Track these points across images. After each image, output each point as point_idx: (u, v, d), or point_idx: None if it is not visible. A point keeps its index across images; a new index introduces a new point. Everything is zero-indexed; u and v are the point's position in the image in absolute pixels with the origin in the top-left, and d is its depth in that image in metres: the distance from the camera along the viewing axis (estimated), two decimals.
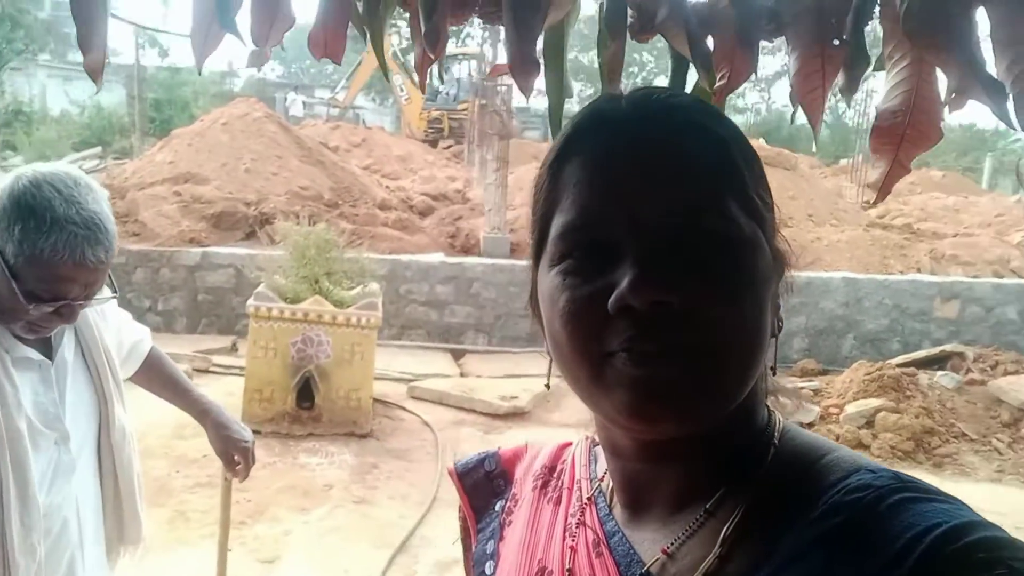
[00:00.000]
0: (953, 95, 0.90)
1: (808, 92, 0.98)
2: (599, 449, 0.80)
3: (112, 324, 1.84)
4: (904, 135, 0.90)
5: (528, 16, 0.96)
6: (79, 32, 0.88)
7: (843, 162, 18.85)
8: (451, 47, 31.43)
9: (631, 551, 0.68)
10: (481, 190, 11.28)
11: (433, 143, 20.24)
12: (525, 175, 12.41)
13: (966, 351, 6.92)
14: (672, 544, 0.64)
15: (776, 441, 0.66)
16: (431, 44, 0.92)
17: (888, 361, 6.79)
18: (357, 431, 5.43)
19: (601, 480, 0.76)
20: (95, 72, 0.86)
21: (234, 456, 2.01)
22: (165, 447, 4.89)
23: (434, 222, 9.82)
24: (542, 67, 1.00)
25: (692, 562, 0.62)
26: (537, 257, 0.68)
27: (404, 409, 6.07)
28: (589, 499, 0.75)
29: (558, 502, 0.78)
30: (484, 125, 11.75)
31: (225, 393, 6.14)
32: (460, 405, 6.19)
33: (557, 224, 0.63)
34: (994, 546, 0.51)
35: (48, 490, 1.55)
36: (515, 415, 6.05)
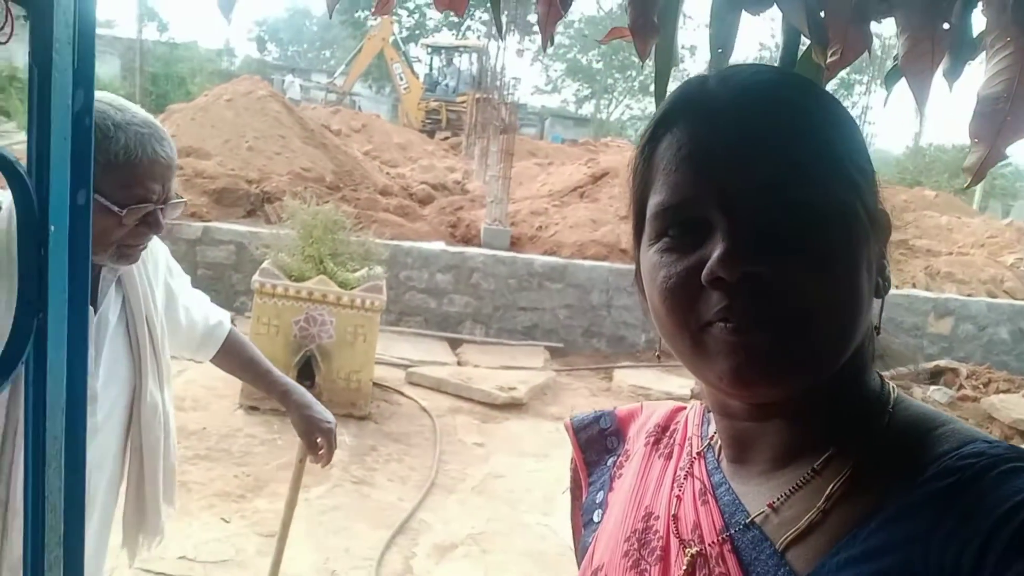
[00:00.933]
0: None
1: (916, 74, 1.00)
2: (712, 414, 0.81)
3: (181, 304, 1.81)
4: (1005, 121, 0.92)
5: None
6: None
7: None
8: (451, 39, 31.48)
9: (736, 501, 0.70)
10: (480, 182, 11.28)
11: (430, 134, 20.20)
12: (523, 171, 12.42)
13: (960, 367, 6.99)
14: (778, 499, 0.66)
15: (891, 407, 0.67)
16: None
17: (882, 373, 6.84)
18: (356, 412, 5.41)
19: (712, 439, 0.78)
20: None
21: (317, 438, 1.97)
22: None
23: (434, 211, 9.80)
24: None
25: (795, 515, 0.64)
26: (638, 236, 0.71)
27: (402, 394, 6.06)
28: (699, 453, 0.78)
29: (669, 456, 0.81)
30: (486, 118, 11.75)
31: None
32: (458, 393, 6.19)
33: (652, 204, 0.66)
34: None
35: None
36: (512, 406, 6.06)
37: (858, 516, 0.61)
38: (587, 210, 9.07)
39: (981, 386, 6.78)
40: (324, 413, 2.00)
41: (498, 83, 11.99)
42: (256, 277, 5.36)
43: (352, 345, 5.43)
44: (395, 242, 7.74)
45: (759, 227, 0.60)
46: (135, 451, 1.68)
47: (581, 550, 0.85)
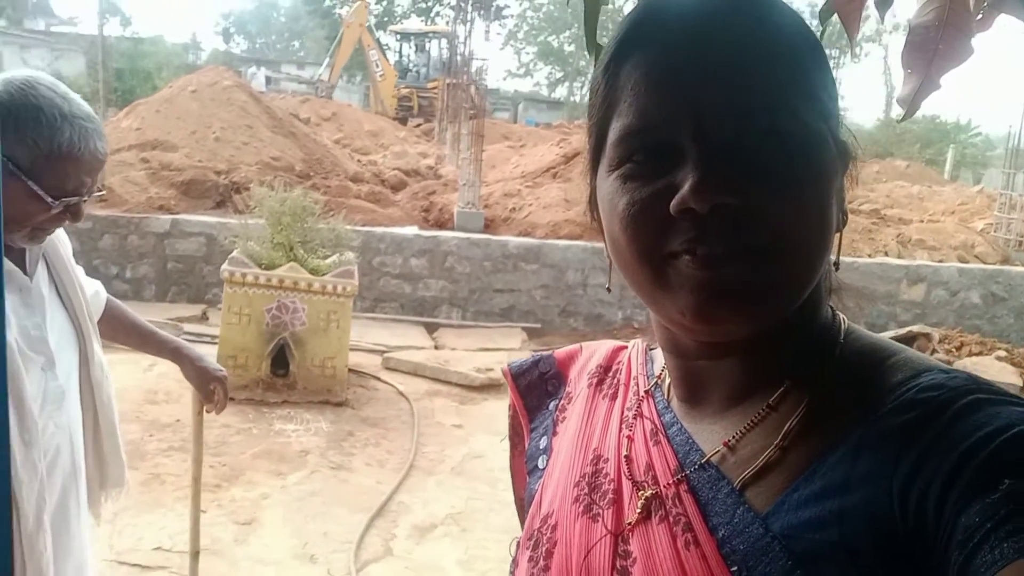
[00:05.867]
0: (981, 14, 0.90)
1: (847, 3, 0.98)
2: (656, 352, 0.80)
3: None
4: (936, 50, 0.90)
5: None
6: None
7: None
8: (421, 25, 31.26)
9: (690, 441, 0.68)
10: (453, 167, 11.23)
11: (403, 121, 20.07)
12: (496, 154, 12.38)
13: (932, 332, 7.06)
14: (734, 437, 0.65)
15: (842, 339, 0.66)
16: None
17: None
18: (332, 399, 5.38)
19: (659, 378, 0.76)
20: None
21: (211, 386, 2.03)
22: (137, 411, 4.80)
23: (407, 196, 9.75)
24: None
25: (752, 452, 0.63)
26: (595, 163, 0.67)
27: (379, 379, 6.03)
28: (647, 392, 0.75)
29: (614, 397, 0.79)
30: (456, 103, 11.69)
31: None
32: (435, 376, 6.17)
33: (616, 128, 0.62)
34: None
35: (39, 414, 1.51)
36: (490, 387, 6.04)
37: (816, 451, 0.59)
38: (560, 190, 9.05)
39: (954, 350, 6.86)
40: (215, 364, 2.07)
41: (467, 68, 11.92)
42: (225, 266, 5.30)
43: (326, 332, 5.39)
44: (367, 228, 7.68)
45: (732, 155, 0.56)
46: (89, 410, 1.72)
47: (527, 498, 0.83)
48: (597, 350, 0.87)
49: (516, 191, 9.24)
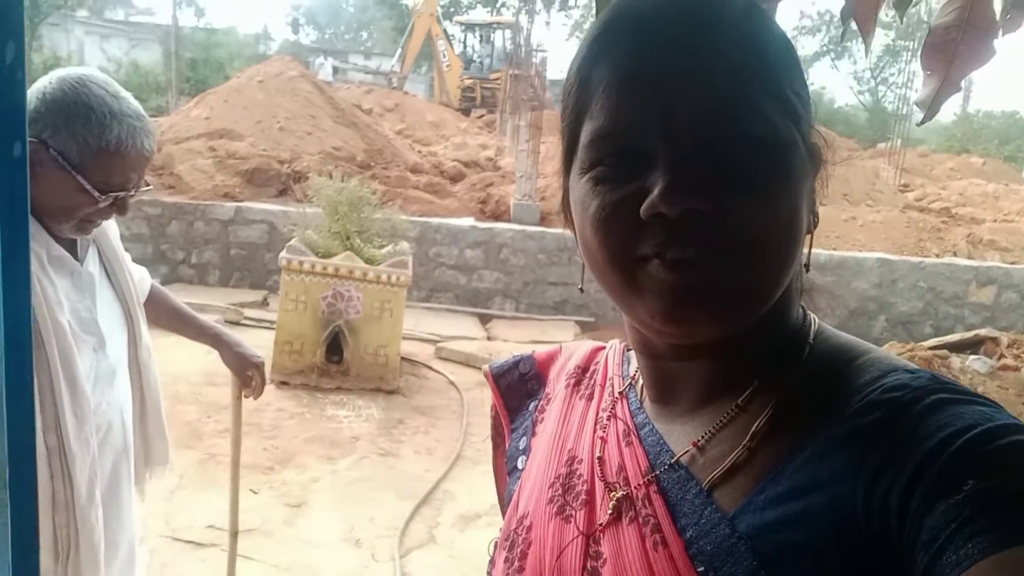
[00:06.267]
0: (1009, 15, 0.87)
1: (861, 4, 0.96)
2: (632, 353, 0.80)
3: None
4: (957, 52, 0.88)
5: None
6: None
7: (880, 146, 18.51)
8: (486, 16, 31.27)
9: (661, 441, 0.68)
10: (512, 158, 11.24)
11: (466, 112, 20.15)
12: (555, 146, 12.30)
13: (1000, 336, 6.80)
14: (702, 437, 0.65)
15: (811, 340, 0.66)
16: None
17: (920, 344, 6.71)
18: (384, 387, 5.47)
19: (633, 378, 0.77)
20: None
21: (248, 372, 2.09)
22: (196, 393, 4.97)
23: (465, 188, 9.81)
24: None
25: (721, 453, 0.63)
26: (568, 164, 0.67)
27: (431, 368, 6.11)
28: (620, 394, 0.76)
29: (590, 398, 0.79)
30: (518, 94, 11.69)
31: (255, 345, 6.20)
32: None
33: (588, 130, 0.62)
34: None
35: (91, 392, 1.59)
36: None
37: (783, 453, 0.60)
38: None
39: (1023, 355, 6.60)
40: (253, 351, 2.13)
41: (531, 59, 11.90)
42: (283, 254, 5.43)
43: (379, 320, 5.49)
44: (424, 219, 7.77)
45: (703, 160, 0.56)
46: (136, 389, 1.79)
47: (507, 499, 0.83)
48: (576, 351, 0.88)
49: None
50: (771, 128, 0.58)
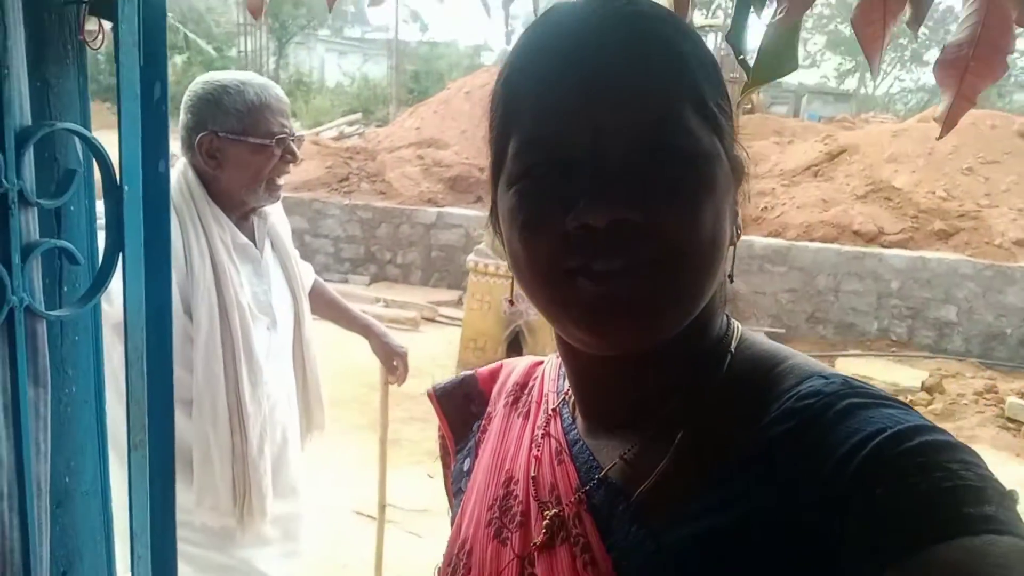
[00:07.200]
0: None
1: (867, 25, 0.95)
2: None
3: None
4: (968, 67, 0.88)
5: None
6: None
7: None
8: (700, 19, 30.58)
9: (591, 459, 0.68)
10: None
11: None
12: (757, 151, 11.91)
13: None
14: (628, 451, 0.66)
15: (732, 349, 0.66)
16: None
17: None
18: None
19: (567, 394, 0.76)
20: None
21: (394, 361, 2.33)
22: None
23: None
24: None
25: (648, 467, 0.63)
26: (496, 175, 0.66)
27: None
28: (554, 410, 0.75)
29: (527, 416, 0.78)
30: (732, 97, 11.39)
31: (445, 341, 6.64)
32: None
33: (516, 141, 0.61)
34: (933, 449, 0.51)
35: (264, 364, 1.85)
36: None
37: (708, 464, 0.60)
38: (819, 189, 8.59)
39: None
40: (398, 342, 2.36)
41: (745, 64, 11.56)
42: (471, 257, 5.76)
43: None
44: None
45: (630, 172, 0.56)
46: (299, 364, 2.06)
47: (451, 522, 0.82)
48: (516, 366, 0.86)
49: (770, 190, 8.91)
50: (697, 142, 0.58)
